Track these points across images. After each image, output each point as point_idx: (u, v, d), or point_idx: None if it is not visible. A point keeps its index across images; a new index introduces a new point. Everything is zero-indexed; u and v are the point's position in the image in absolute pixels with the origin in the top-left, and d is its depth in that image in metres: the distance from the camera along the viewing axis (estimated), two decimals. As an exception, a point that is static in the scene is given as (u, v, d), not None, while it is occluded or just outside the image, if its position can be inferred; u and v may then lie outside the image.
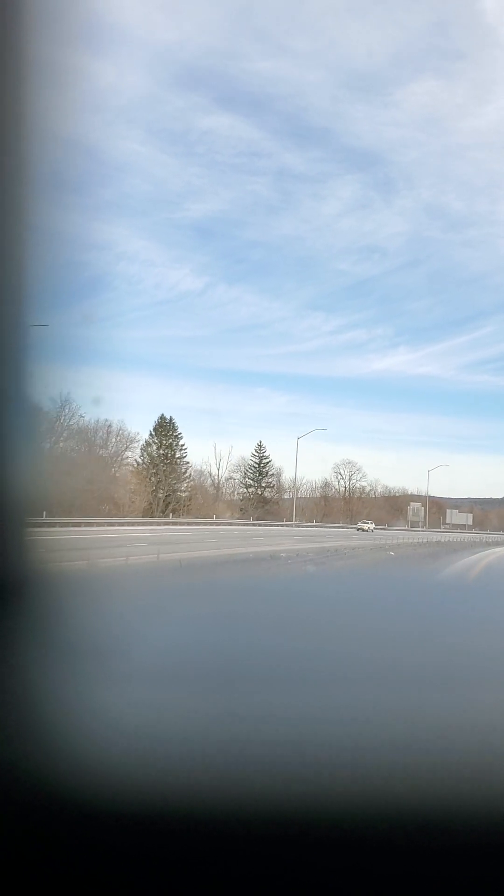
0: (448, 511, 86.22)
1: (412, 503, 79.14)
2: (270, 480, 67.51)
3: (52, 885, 0.47)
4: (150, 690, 0.62)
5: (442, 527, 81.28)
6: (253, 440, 70.11)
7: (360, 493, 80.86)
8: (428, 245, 75.64)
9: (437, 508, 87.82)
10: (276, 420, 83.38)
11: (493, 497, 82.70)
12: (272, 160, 68.71)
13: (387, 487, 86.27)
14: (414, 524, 75.50)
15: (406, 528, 70.70)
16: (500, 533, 74.59)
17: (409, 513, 76.78)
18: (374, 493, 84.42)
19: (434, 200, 71.49)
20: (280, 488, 68.55)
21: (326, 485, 72.54)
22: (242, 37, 63.95)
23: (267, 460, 67.85)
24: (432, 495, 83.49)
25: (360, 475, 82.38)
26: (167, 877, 0.47)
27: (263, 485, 67.09)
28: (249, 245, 73.11)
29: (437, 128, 72.67)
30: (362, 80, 68.63)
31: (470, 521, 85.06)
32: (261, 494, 65.42)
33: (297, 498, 65.83)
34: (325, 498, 70.37)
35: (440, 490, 76.77)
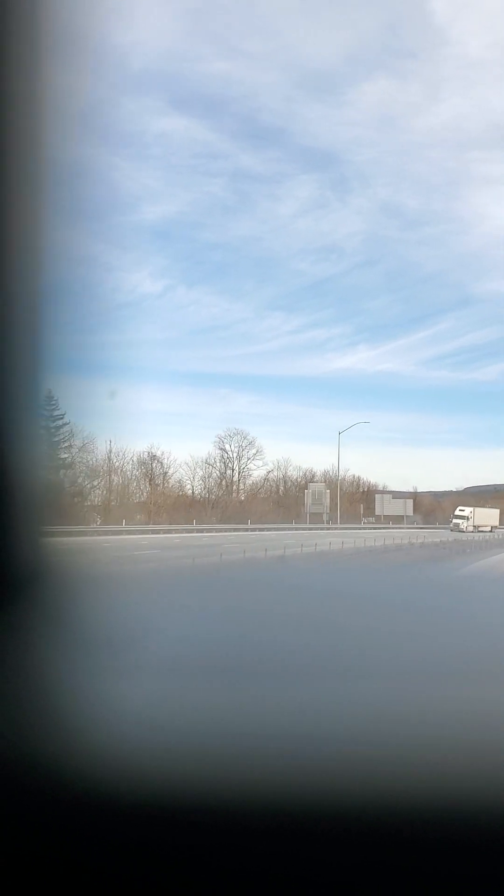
0: (378, 497, 61.70)
1: (311, 485, 53.96)
2: (66, 458, 42.05)
3: (61, 870, 0.48)
4: (156, 682, 0.63)
5: (364, 521, 56.68)
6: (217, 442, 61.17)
7: (239, 480, 55.32)
8: (385, 244, 75.54)
9: (362, 495, 63.51)
10: (241, 421, 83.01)
11: (454, 490, 75.65)
12: (228, 161, 70.04)
13: (300, 469, 60.91)
14: (315, 517, 50.15)
15: (294, 524, 45.36)
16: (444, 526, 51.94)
17: (307, 500, 51.41)
18: (279, 477, 58.87)
19: (390, 199, 71.72)
20: (95, 473, 42.90)
21: (153, 458, 46.13)
22: (195, 39, 64.90)
23: (60, 419, 42.09)
24: (392, 489, 64.22)
25: (254, 451, 56.55)
26: (170, 864, 0.47)
27: (57, 465, 41.44)
28: (208, 247, 73.87)
29: (391, 127, 72.44)
30: (316, 80, 69.91)
31: (409, 511, 61.79)
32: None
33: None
34: (150, 483, 44.19)
35: (398, 485, 69.49)
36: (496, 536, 43.46)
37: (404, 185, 73.58)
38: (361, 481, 68.32)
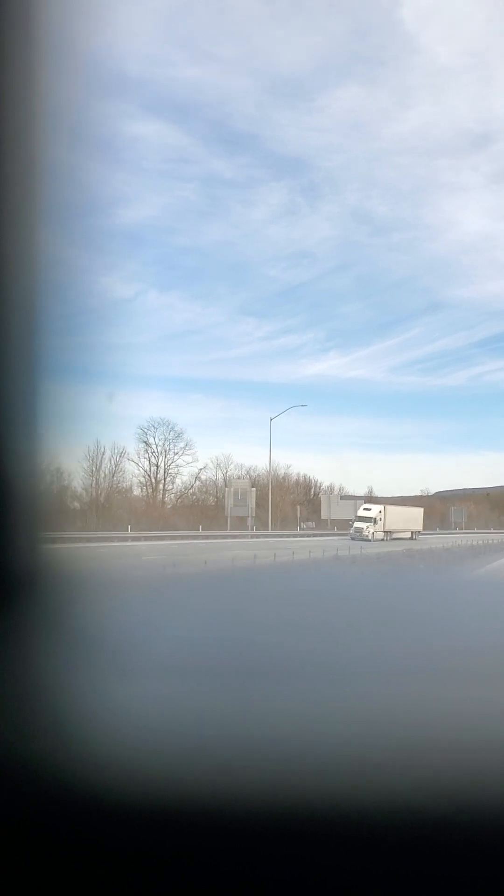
0: (324, 499, 52.54)
1: (233, 481, 44.17)
2: None
3: (61, 874, 0.48)
4: (154, 684, 0.63)
5: (302, 526, 47.36)
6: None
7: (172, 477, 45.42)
8: (356, 250, 78.40)
9: (312, 498, 54.48)
10: (212, 426, 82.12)
11: (419, 493, 71.11)
12: (200, 166, 72.51)
13: (242, 466, 51.29)
14: (238, 521, 40.39)
15: (201, 531, 35.61)
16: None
17: (227, 500, 41.69)
18: (217, 477, 49.15)
19: (360, 205, 74.27)
20: None
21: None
22: (168, 43, 64.18)
23: None
24: (359, 495, 56.38)
25: (183, 444, 46.63)
26: (171, 867, 0.48)
27: None
28: (180, 251, 76.48)
29: (361, 133, 75.83)
30: (287, 86, 72.29)
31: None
32: None
33: None
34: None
35: (368, 490, 64.14)
36: (422, 546, 32.11)
37: (374, 191, 77.45)
38: (312, 481, 59.13)
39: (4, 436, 0.79)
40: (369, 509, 43.42)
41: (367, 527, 40.88)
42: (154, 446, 46.01)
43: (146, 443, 45.59)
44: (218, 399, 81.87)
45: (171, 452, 46.26)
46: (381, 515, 42.74)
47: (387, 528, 42.34)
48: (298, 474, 58.20)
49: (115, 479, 41.64)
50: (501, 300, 77.96)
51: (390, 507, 45.42)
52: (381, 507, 43.87)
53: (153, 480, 45.90)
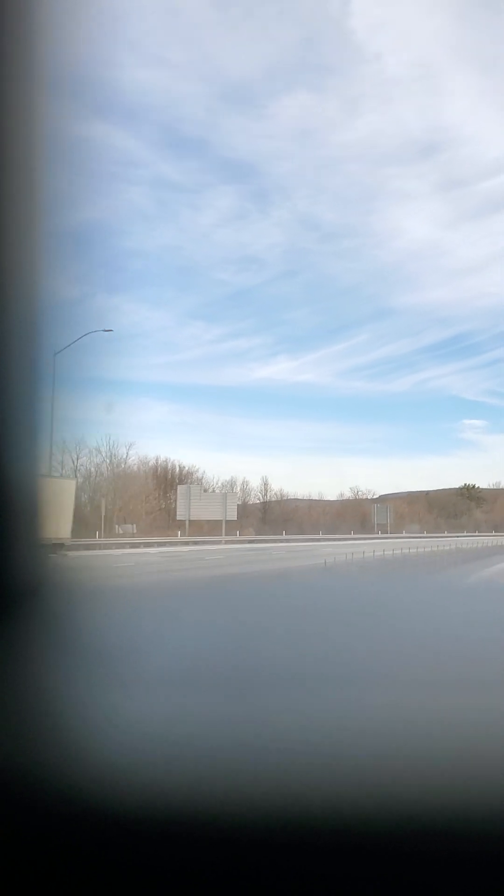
0: (181, 493, 42.16)
1: None
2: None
3: (60, 885, 0.48)
4: (155, 695, 0.63)
5: (118, 531, 36.71)
6: (135, 450, 55.16)
7: None
8: (303, 256, 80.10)
9: (160, 495, 44.28)
10: (160, 430, 79.40)
11: (356, 495, 67.09)
12: (148, 170, 72.34)
13: (99, 452, 40.84)
14: None
15: None
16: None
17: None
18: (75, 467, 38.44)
19: (308, 212, 75.36)
20: None
21: None
22: (117, 46, 60.82)
23: None
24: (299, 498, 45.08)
25: None
26: (170, 878, 0.48)
27: None
28: (128, 254, 73.08)
29: (309, 140, 76.71)
30: (237, 92, 72.89)
31: (233, 514, 43.68)
32: None
33: None
34: None
35: (316, 492, 61.12)
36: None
37: (322, 197, 79.71)
38: (183, 471, 48.50)
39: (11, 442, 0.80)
40: None
41: None
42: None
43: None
44: (166, 403, 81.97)
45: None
46: None
47: None
48: (176, 464, 47.70)
49: None
50: (446, 307, 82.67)
51: None
52: None
53: None
